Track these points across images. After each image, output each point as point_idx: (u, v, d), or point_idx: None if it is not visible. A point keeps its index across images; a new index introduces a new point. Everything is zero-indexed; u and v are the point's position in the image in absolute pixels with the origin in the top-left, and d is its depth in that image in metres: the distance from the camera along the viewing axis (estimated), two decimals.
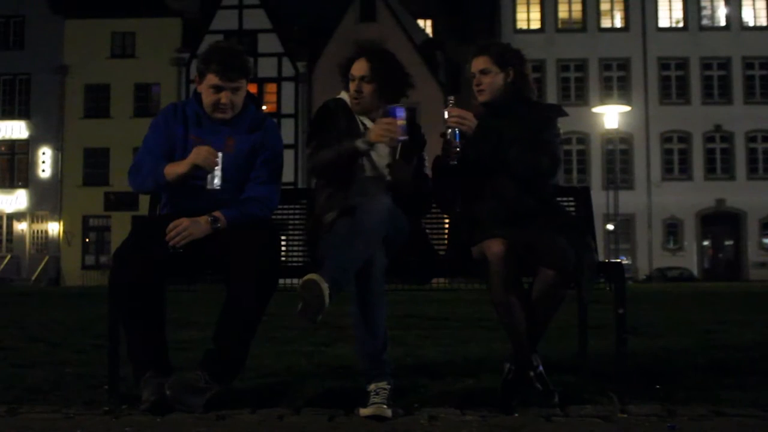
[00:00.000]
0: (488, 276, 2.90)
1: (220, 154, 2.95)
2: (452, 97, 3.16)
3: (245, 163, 3.08)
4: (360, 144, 3.02)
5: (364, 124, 3.17)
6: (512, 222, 2.97)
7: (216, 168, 2.94)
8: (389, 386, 2.78)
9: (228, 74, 3.02)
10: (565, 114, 3.26)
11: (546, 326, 3.00)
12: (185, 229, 2.89)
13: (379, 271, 2.82)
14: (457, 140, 3.06)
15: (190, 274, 3.17)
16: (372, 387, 2.78)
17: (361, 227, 2.78)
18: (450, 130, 3.08)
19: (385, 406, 2.68)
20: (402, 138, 3.02)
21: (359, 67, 3.17)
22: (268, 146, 3.14)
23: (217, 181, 2.95)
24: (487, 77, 3.20)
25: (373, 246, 2.79)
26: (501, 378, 2.98)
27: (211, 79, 3.02)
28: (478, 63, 3.22)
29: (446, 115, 3.07)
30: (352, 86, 3.17)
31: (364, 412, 2.68)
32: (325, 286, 2.59)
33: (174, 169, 2.98)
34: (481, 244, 2.94)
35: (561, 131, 3.22)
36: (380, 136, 2.98)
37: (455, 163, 3.05)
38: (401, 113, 3.03)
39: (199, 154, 2.94)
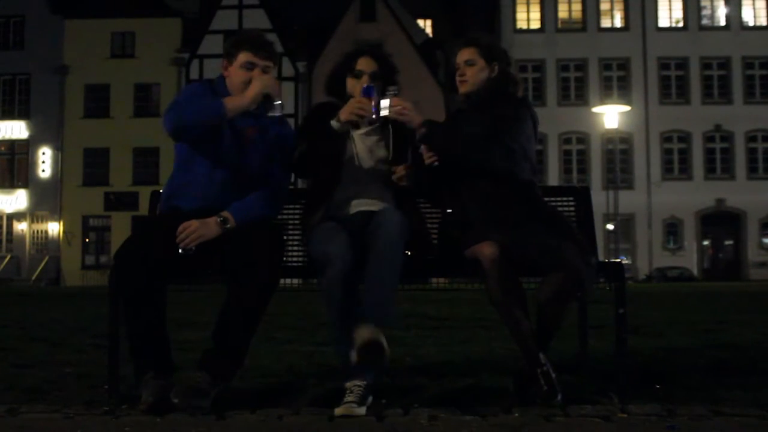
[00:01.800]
0: (484, 278, 2.90)
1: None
2: (394, 87, 3.13)
3: (262, 155, 3.09)
4: (333, 123, 3.07)
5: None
6: (504, 224, 2.96)
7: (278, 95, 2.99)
8: (364, 383, 2.80)
9: (261, 52, 3.07)
10: (527, 104, 3.20)
11: (557, 327, 2.99)
12: (195, 230, 2.89)
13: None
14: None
15: (191, 274, 3.17)
16: (348, 385, 2.81)
17: (387, 257, 2.82)
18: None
19: (355, 405, 2.70)
20: (373, 117, 3.05)
21: (368, 64, 3.20)
22: (283, 143, 3.15)
23: (281, 110, 2.99)
24: (471, 69, 3.17)
25: (399, 265, 2.85)
26: (515, 372, 3.01)
27: (245, 56, 3.06)
28: (465, 54, 3.20)
29: (383, 105, 3.02)
30: (363, 80, 3.16)
31: (337, 411, 2.70)
32: (384, 343, 2.68)
33: (237, 102, 2.95)
34: (473, 247, 2.94)
35: (532, 125, 3.13)
36: (350, 114, 3.03)
37: (436, 164, 3.05)
38: (373, 93, 3.06)
39: (264, 81, 2.97)
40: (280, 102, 2.99)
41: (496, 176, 3.02)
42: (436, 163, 3.05)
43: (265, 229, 2.97)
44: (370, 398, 2.81)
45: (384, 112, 3.03)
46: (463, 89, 3.19)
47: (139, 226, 3.22)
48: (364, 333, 2.66)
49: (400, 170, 3.12)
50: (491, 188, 3.04)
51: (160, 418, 2.67)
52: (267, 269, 2.85)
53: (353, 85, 3.18)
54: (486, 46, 3.20)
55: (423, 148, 3.08)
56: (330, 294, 2.85)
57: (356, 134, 3.18)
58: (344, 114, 3.06)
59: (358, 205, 3.12)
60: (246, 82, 3.04)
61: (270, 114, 2.99)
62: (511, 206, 3.01)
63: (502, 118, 3.07)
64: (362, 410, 2.70)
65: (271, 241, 2.95)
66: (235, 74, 3.08)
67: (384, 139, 3.21)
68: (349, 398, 2.74)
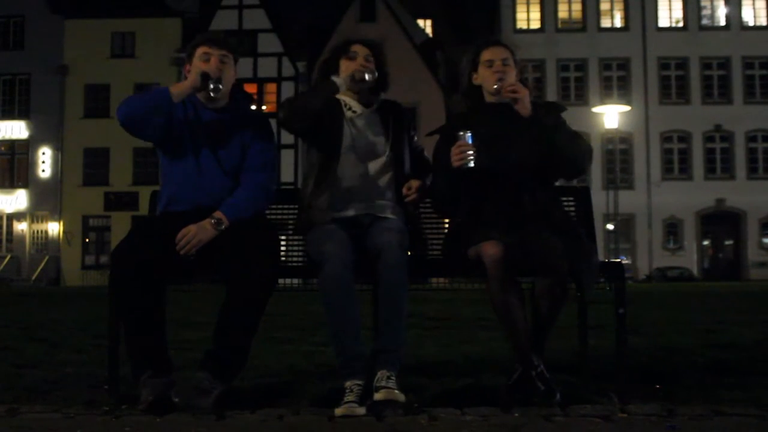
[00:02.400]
0: (485, 277, 2.90)
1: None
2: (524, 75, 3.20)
3: (237, 149, 3.11)
4: (335, 78, 3.11)
5: (350, 107, 3.20)
6: (509, 224, 2.96)
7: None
8: (362, 382, 2.80)
9: (216, 43, 3.14)
10: (564, 108, 3.25)
11: (550, 327, 2.99)
12: (194, 236, 2.92)
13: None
14: (470, 142, 2.99)
15: (189, 274, 3.18)
16: (348, 384, 2.81)
17: (394, 297, 2.87)
18: (462, 133, 3.02)
19: (355, 405, 2.71)
20: (375, 75, 3.12)
21: (362, 49, 3.22)
22: (261, 135, 3.17)
23: (221, 87, 3.05)
24: (508, 68, 3.16)
25: (405, 297, 2.90)
26: (509, 377, 2.99)
27: (201, 50, 3.13)
28: (499, 52, 3.18)
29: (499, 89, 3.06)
30: (359, 60, 3.18)
31: (337, 411, 2.70)
32: (400, 397, 2.70)
33: (180, 85, 3.03)
34: (476, 246, 2.93)
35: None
36: (353, 70, 3.10)
37: (471, 165, 2.99)
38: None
39: (205, 63, 3.06)
40: (217, 79, 3.04)
41: (575, 173, 3.08)
42: (471, 164, 2.98)
43: (261, 228, 2.99)
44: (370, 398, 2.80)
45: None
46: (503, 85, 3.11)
47: (135, 225, 3.23)
48: (380, 394, 2.71)
49: (412, 191, 3.13)
50: (514, 188, 3.04)
51: (160, 417, 2.67)
52: (265, 269, 2.86)
53: (347, 66, 3.18)
54: (513, 51, 3.21)
55: (455, 148, 3.00)
56: (327, 293, 2.86)
57: (354, 119, 3.19)
58: (345, 72, 3.12)
59: (361, 208, 3.12)
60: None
61: (212, 94, 3.05)
62: (524, 206, 3.01)
63: (556, 117, 3.13)
64: (362, 410, 2.70)
65: (268, 241, 2.96)
66: (195, 70, 3.11)
67: (383, 126, 3.21)
68: (349, 398, 2.74)
